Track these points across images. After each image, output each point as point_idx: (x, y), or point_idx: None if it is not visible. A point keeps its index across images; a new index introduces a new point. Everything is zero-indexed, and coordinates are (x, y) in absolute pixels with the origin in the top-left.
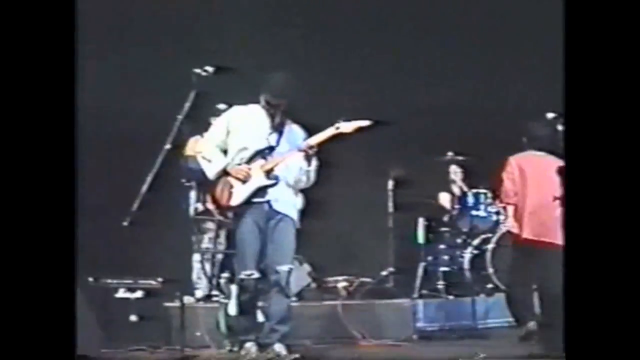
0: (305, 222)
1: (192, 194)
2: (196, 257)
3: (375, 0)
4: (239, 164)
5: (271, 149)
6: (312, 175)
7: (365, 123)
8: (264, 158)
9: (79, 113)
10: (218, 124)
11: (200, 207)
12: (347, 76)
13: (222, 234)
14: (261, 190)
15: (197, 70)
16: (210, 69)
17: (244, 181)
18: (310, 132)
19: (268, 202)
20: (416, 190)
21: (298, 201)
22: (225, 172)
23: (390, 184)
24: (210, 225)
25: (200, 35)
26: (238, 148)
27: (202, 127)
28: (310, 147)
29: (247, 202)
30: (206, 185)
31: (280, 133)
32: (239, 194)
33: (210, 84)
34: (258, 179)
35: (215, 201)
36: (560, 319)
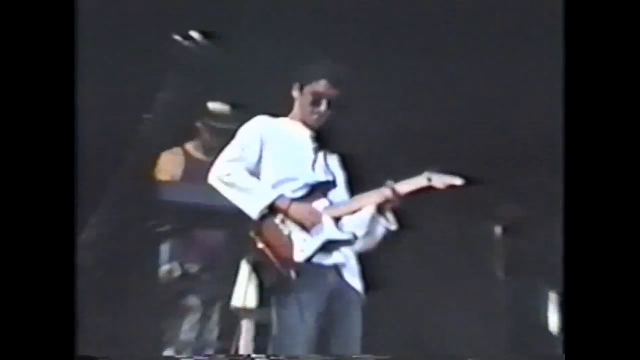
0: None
1: (166, 248)
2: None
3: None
4: (293, 200)
5: (332, 184)
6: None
7: (459, 182)
8: (325, 196)
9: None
10: (247, 135)
11: (178, 270)
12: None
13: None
14: (328, 247)
15: (178, 38)
16: (197, 36)
17: (307, 229)
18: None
19: (336, 266)
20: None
21: (356, 267)
22: (272, 210)
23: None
24: (195, 301)
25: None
26: (278, 176)
27: (183, 134)
28: (398, 196)
29: (309, 261)
30: (188, 233)
31: (324, 159)
32: (304, 246)
33: (201, 60)
34: (328, 229)
35: (271, 249)
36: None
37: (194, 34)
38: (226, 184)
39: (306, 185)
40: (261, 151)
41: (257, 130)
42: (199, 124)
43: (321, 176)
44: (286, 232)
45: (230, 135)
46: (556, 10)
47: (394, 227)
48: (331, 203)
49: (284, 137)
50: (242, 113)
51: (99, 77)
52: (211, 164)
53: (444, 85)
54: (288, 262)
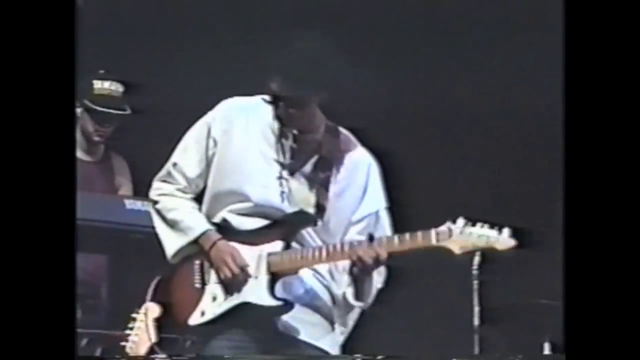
0: None
1: None
2: None
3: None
4: (226, 238)
5: (304, 216)
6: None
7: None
8: (291, 235)
9: None
10: (193, 132)
11: None
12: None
13: None
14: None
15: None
16: None
17: (225, 281)
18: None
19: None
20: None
21: (336, 337)
22: (196, 245)
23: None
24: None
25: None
26: (224, 190)
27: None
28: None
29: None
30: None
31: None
32: (208, 306)
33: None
34: (251, 288)
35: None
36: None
37: None
38: (155, 211)
39: (258, 210)
40: (209, 155)
41: (210, 123)
42: (77, 108)
43: (297, 199)
44: (198, 284)
45: (121, 124)
46: (556, 10)
47: (378, 283)
48: (288, 246)
49: (252, 134)
50: (140, 94)
51: None
52: (95, 164)
53: (443, 88)
54: (181, 324)
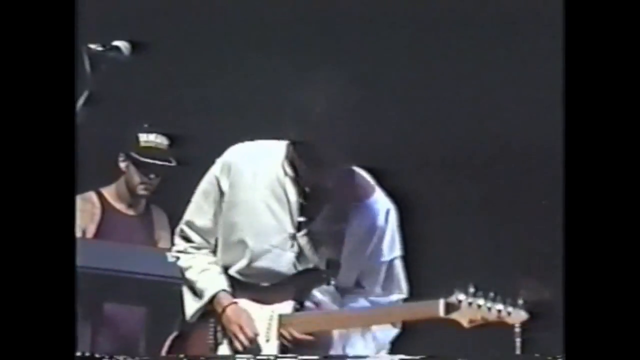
0: None
1: None
2: None
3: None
4: (238, 295)
5: (317, 273)
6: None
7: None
8: (305, 293)
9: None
10: (203, 184)
11: None
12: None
13: None
14: None
15: (93, 47)
16: (123, 45)
17: (237, 347)
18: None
19: None
20: None
21: None
22: (210, 304)
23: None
24: None
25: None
26: (233, 244)
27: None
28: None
29: None
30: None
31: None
32: None
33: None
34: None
35: None
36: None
37: (120, 43)
38: (180, 269)
39: (267, 269)
40: (218, 204)
41: (217, 175)
42: (122, 161)
43: (308, 256)
44: (211, 345)
45: (164, 177)
46: (556, 10)
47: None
48: (300, 305)
49: (259, 187)
50: (184, 148)
51: None
52: (137, 217)
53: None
54: None
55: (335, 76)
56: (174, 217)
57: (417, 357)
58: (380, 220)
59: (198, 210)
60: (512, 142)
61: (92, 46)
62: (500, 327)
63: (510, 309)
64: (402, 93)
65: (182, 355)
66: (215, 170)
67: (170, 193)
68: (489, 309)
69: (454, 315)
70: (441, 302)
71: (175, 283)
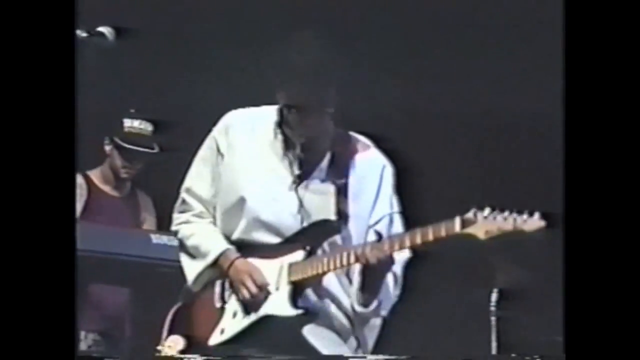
0: None
1: None
2: None
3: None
4: (246, 255)
5: (324, 225)
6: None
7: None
8: (315, 242)
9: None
10: (201, 153)
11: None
12: None
13: None
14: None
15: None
16: (108, 31)
17: (244, 298)
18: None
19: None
20: None
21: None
22: (217, 268)
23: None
24: None
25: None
26: (233, 207)
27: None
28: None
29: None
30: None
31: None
32: (227, 324)
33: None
34: (273, 301)
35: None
36: None
37: (104, 29)
38: (178, 241)
39: (271, 226)
40: (216, 167)
41: (216, 138)
42: (107, 144)
43: (313, 209)
44: (218, 303)
45: (148, 162)
46: (556, 10)
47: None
48: (310, 254)
49: (257, 146)
50: (168, 133)
51: None
52: (122, 199)
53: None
54: (202, 344)
55: (326, 40)
56: (158, 202)
57: (402, 357)
58: (376, 175)
59: (197, 176)
60: (509, 108)
61: (77, 32)
62: (516, 237)
63: (526, 216)
64: (397, 61)
65: (182, 355)
66: (214, 132)
67: (155, 178)
68: (505, 219)
69: (470, 229)
70: (457, 218)
71: (160, 264)
